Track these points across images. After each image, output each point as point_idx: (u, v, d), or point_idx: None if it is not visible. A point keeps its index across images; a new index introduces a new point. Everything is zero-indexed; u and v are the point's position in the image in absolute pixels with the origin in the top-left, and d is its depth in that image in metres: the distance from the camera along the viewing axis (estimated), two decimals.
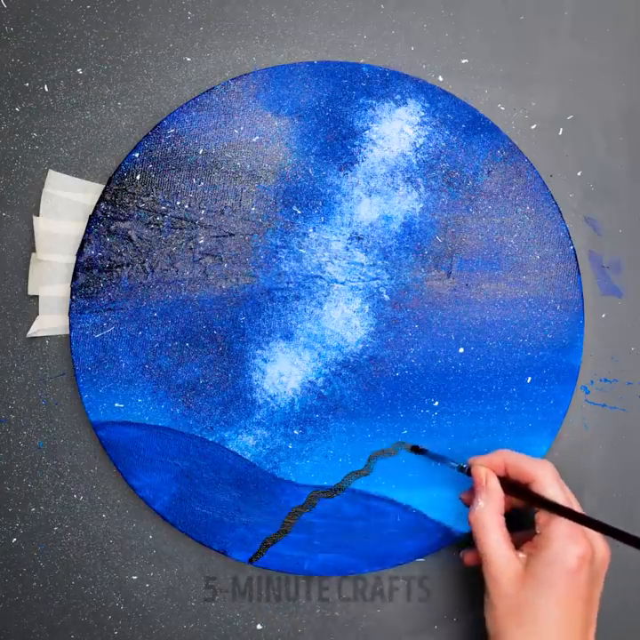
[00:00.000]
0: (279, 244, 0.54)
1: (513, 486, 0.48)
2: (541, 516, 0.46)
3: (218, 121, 0.54)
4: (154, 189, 0.53)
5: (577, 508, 0.47)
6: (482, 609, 0.55)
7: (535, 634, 0.44)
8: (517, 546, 0.47)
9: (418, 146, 0.54)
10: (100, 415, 0.53)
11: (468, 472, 0.50)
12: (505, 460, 0.49)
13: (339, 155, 0.54)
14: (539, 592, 0.44)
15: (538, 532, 0.46)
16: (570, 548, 0.44)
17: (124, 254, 0.53)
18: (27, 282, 0.55)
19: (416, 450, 0.53)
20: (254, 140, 0.54)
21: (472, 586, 0.55)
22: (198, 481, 0.53)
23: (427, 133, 0.54)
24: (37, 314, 0.54)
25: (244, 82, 0.54)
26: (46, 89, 0.55)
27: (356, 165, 0.54)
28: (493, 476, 0.48)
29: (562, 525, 0.45)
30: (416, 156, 0.54)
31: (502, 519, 0.47)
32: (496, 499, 0.47)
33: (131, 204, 0.53)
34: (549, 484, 0.47)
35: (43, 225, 0.54)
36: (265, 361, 0.53)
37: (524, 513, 0.52)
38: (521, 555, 0.46)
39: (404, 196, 0.54)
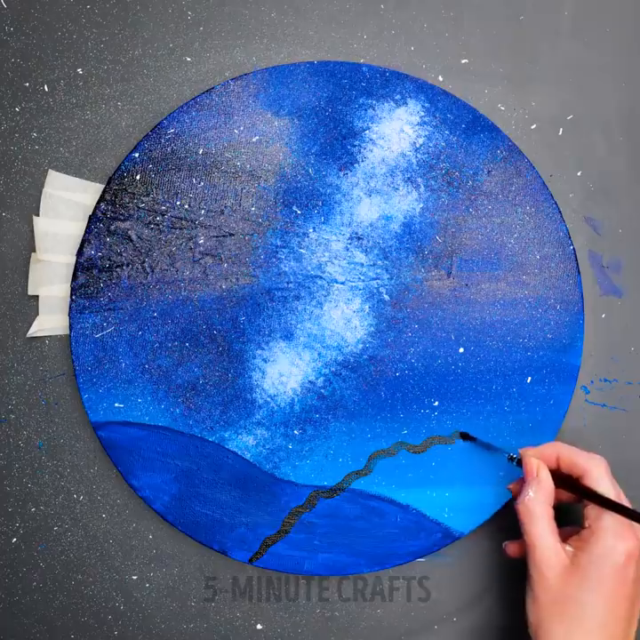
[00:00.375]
0: (279, 244, 0.54)
1: (563, 479, 0.48)
2: (591, 511, 0.46)
3: (218, 121, 0.54)
4: (154, 189, 0.53)
5: (626, 504, 0.47)
6: (481, 608, 0.55)
7: (577, 630, 0.44)
8: (564, 540, 0.47)
9: (418, 146, 0.54)
10: (99, 415, 0.53)
11: (517, 463, 0.49)
12: (557, 452, 0.48)
13: (339, 155, 0.54)
14: (584, 587, 0.44)
15: (586, 526, 0.46)
16: (618, 544, 0.44)
17: (124, 254, 0.53)
18: (27, 282, 0.55)
19: (466, 437, 0.53)
20: (254, 139, 0.54)
21: (472, 586, 0.55)
22: (198, 481, 0.53)
23: (427, 133, 0.54)
24: (37, 314, 0.54)
25: (244, 82, 0.54)
26: (46, 89, 0.55)
27: (356, 165, 0.54)
28: (544, 467, 0.48)
29: (611, 521, 0.45)
30: (416, 156, 0.54)
31: (551, 511, 0.47)
32: (546, 490, 0.47)
33: (131, 204, 0.53)
34: (601, 478, 0.46)
35: (43, 225, 0.54)
36: (265, 361, 0.53)
37: (572, 508, 0.52)
38: (568, 548, 0.46)
39: (404, 196, 0.54)
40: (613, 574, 0.44)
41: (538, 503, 0.47)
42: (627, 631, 0.45)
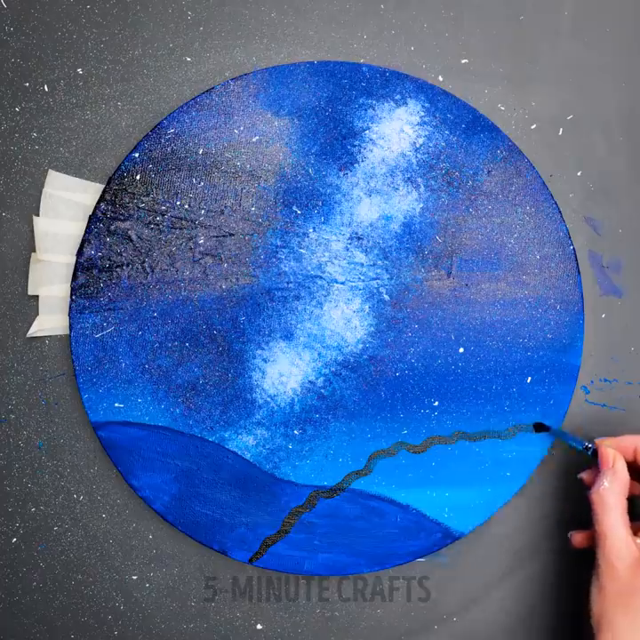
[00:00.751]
0: (279, 243, 0.54)
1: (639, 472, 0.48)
2: None
3: (218, 121, 0.54)
4: (154, 189, 0.53)
5: None
6: (481, 608, 0.55)
7: None
8: (635, 533, 0.47)
9: (418, 146, 0.54)
10: (99, 415, 0.53)
11: (592, 453, 0.49)
12: (635, 445, 0.48)
13: (339, 155, 0.54)
14: None
15: None
16: None
17: (123, 254, 0.53)
18: (27, 282, 0.55)
19: (540, 427, 0.53)
20: (254, 139, 0.54)
21: (472, 586, 0.55)
22: (198, 481, 0.53)
23: (427, 133, 0.54)
24: (37, 314, 0.54)
25: (244, 82, 0.54)
26: (46, 89, 0.55)
27: (356, 165, 0.54)
28: (621, 458, 0.48)
29: None
30: (416, 156, 0.54)
31: (625, 502, 0.47)
32: (622, 480, 0.47)
33: (131, 204, 0.53)
34: None
35: (43, 225, 0.54)
36: (265, 361, 0.53)
37: None
38: (639, 541, 0.46)
39: (404, 196, 0.54)
40: None
41: (612, 493, 0.47)
42: None
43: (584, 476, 0.51)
